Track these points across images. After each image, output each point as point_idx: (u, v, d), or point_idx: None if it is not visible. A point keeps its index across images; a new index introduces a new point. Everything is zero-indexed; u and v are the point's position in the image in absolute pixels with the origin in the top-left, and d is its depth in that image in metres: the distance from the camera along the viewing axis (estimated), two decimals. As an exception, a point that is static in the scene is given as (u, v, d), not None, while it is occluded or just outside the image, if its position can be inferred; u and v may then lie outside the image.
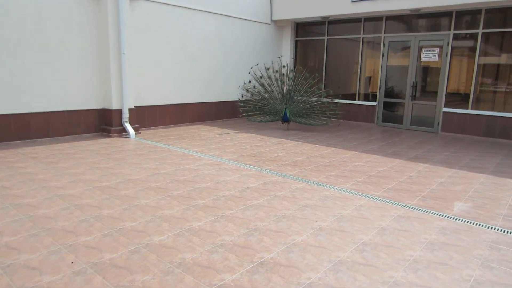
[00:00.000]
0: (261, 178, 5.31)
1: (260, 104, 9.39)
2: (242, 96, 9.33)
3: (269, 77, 9.36)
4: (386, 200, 4.52)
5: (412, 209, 4.22)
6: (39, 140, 7.48)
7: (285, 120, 9.38)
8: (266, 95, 9.28)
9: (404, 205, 4.36)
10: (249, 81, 9.74)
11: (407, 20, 10.50)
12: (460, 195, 4.79)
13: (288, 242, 3.32)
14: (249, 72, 11.16)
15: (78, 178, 5.07)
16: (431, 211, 4.18)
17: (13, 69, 6.98)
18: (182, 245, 3.22)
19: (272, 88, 9.34)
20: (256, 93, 9.48)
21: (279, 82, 9.34)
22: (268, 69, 9.76)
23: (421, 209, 4.25)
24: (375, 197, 4.60)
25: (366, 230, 3.61)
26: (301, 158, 6.61)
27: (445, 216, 4.05)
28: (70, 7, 7.59)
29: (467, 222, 3.91)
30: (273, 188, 4.84)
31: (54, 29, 7.43)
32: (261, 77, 9.64)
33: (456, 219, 3.97)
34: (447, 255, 3.17)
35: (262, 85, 9.41)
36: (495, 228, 3.76)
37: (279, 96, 9.27)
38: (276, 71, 9.38)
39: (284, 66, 10.04)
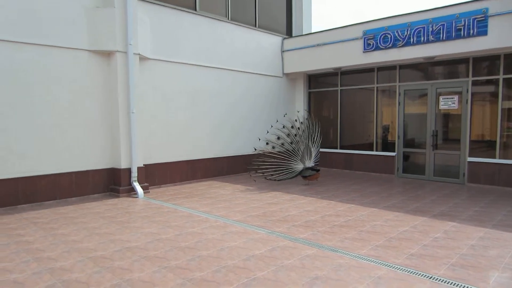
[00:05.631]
0: (269, 242, 4.85)
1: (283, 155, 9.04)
2: (267, 143, 9.19)
3: (298, 128, 9.14)
4: (409, 269, 3.96)
5: (439, 282, 3.65)
6: (46, 203, 7.30)
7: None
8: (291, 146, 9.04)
9: (430, 276, 3.80)
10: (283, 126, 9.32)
11: (422, 68, 10.26)
12: (496, 263, 4.18)
13: (292, 330, 2.83)
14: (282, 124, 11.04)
15: (73, 247, 4.75)
16: (463, 285, 3.60)
17: (21, 133, 6.95)
18: (168, 335, 2.78)
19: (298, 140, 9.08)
20: (287, 143, 9.13)
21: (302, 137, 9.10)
22: (297, 121, 9.42)
23: (450, 281, 3.67)
24: (396, 266, 4.05)
25: (385, 312, 3.08)
26: (315, 217, 6.13)
27: (480, 290, 3.47)
28: (79, 68, 7.65)
29: (507, 298, 3.32)
30: (280, 256, 4.37)
31: (63, 91, 7.44)
32: (292, 127, 9.31)
33: (493, 295, 3.38)
34: None
35: (295, 135, 9.15)
36: (542, 307, 3.16)
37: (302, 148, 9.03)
38: (301, 123, 9.18)
39: (297, 120, 9.75)
